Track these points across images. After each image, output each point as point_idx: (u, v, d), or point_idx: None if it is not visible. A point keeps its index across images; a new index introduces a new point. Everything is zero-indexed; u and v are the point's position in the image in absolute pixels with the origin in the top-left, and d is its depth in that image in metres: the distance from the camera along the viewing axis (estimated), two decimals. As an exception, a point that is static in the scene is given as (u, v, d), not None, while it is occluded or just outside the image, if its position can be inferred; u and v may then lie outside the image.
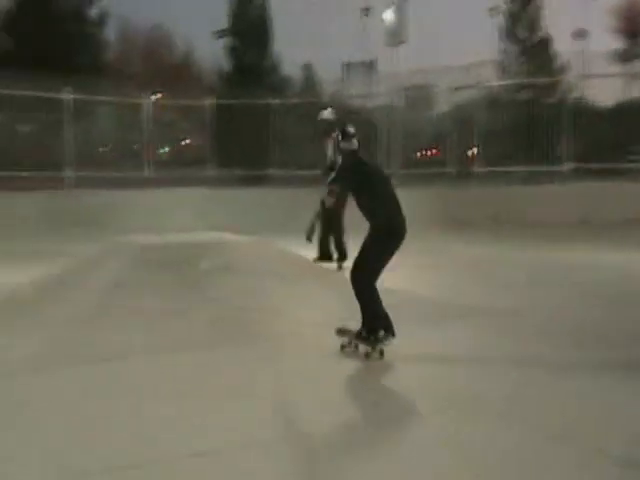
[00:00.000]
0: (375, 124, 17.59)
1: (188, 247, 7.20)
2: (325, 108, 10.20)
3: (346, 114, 9.53)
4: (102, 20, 24.49)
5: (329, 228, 9.27)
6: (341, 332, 5.30)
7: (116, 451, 3.52)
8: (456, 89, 16.69)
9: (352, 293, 5.18)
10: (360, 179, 5.18)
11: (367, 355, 5.10)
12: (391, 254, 5.13)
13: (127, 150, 17.73)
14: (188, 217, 13.10)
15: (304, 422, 3.97)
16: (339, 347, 5.28)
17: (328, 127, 9.49)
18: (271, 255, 7.55)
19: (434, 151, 18.58)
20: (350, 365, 5.10)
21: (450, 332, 6.00)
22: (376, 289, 5.11)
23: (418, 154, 18.62)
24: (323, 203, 5.29)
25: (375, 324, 5.09)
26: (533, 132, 15.75)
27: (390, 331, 5.07)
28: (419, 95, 18.23)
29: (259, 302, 6.44)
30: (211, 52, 24.61)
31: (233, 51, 25.41)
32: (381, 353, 5.10)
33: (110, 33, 26.51)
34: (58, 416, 4.05)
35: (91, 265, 7.39)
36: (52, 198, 14.17)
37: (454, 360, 5.23)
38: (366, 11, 35.96)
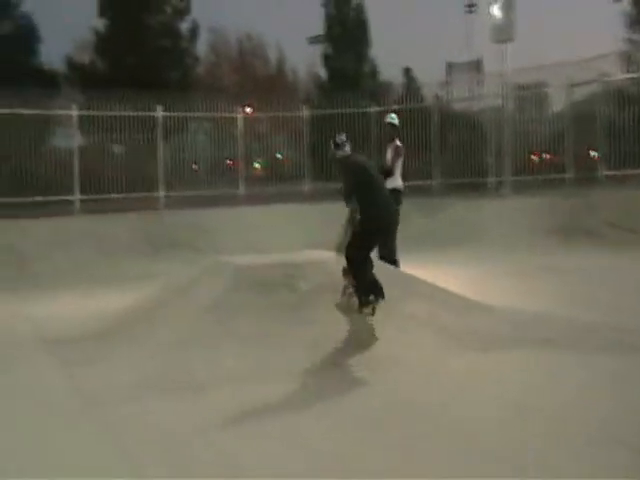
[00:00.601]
0: (482, 128, 17.40)
1: (285, 267, 7.33)
2: (392, 111, 10.95)
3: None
4: (193, 34, 25.48)
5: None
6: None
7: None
8: (572, 86, 16.25)
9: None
10: (354, 184, 6.68)
11: (360, 312, 6.49)
12: (379, 239, 7.15)
13: (220, 167, 18.28)
14: (286, 234, 13.28)
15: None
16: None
17: (393, 131, 10.01)
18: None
19: (550, 155, 18.11)
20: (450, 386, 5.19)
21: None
22: (366, 263, 6.55)
23: (532, 158, 18.21)
24: (351, 220, 6.65)
25: (366, 291, 6.44)
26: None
27: (380, 295, 6.44)
28: (531, 94, 17.88)
29: (358, 323, 6.59)
30: (305, 59, 25.13)
31: (329, 57, 25.76)
32: (373, 310, 6.45)
33: (201, 46, 27.62)
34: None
35: (186, 288, 7.73)
36: (145, 219, 14.69)
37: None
38: (471, 7, 35.62)
